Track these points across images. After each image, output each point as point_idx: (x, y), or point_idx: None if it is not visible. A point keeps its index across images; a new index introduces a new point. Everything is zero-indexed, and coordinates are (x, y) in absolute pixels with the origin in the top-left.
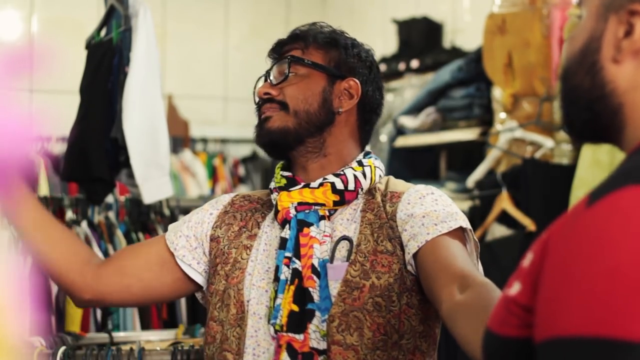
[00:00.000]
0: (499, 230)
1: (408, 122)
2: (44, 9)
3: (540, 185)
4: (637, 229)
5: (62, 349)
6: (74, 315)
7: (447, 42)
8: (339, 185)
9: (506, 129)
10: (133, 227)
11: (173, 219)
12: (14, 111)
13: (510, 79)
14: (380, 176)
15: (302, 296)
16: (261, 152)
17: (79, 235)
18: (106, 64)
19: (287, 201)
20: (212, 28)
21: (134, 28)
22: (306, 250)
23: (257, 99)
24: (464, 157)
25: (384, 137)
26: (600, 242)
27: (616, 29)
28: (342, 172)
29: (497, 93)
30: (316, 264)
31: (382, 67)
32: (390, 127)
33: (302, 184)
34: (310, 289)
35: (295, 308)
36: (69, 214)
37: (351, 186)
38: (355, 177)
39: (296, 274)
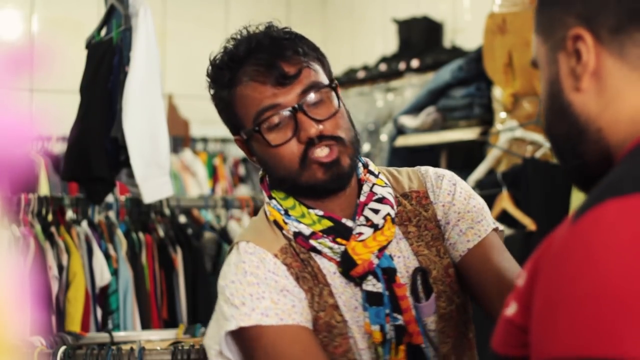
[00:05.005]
0: None
1: (408, 121)
2: (44, 9)
3: (541, 185)
4: (620, 245)
5: (63, 348)
6: (74, 314)
7: (448, 41)
8: (393, 213)
9: (506, 128)
10: (133, 226)
11: (173, 218)
12: (14, 111)
13: (511, 78)
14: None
15: (414, 355)
16: None
17: (80, 234)
18: (106, 64)
19: (366, 253)
20: (212, 27)
21: (134, 27)
22: (407, 303)
23: (303, 139)
24: (465, 156)
25: (384, 137)
26: (584, 261)
27: (568, 62)
28: (380, 195)
29: (498, 93)
30: (415, 316)
31: (382, 67)
32: (390, 127)
33: (360, 224)
34: (422, 346)
35: None
36: (69, 214)
37: (395, 210)
38: (390, 195)
39: (401, 331)
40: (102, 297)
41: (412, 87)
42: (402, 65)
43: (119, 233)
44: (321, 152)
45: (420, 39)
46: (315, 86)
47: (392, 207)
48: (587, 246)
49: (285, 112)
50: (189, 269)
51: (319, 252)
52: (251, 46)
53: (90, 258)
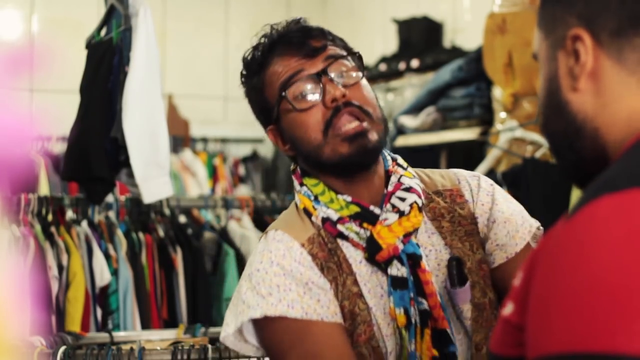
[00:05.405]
0: None
1: (408, 121)
2: (44, 9)
3: (541, 185)
4: (614, 240)
5: (63, 348)
6: (74, 314)
7: (448, 41)
8: (419, 202)
9: (506, 128)
10: (133, 226)
11: (173, 218)
12: (14, 111)
13: (511, 78)
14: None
15: (439, 339)
16: (261, 152)
17: (80, 235)
18: (106, 64)
19: (391, 237)
20: (212, 27)
21: (134, 27)
22: (431, 289)
23: (329, 103)
24: (465, 156)
25: None
26: (578, 256)
27: (566, 61)
28: (407, 185)
29: (498, 92)
30: (440, 301)
31: (382, 67)
32: (390, 127)
33: (387, 210)
34: (448, 331)
35: (436, 353)
36: (69, 214)
37: (422, 200)
38: (418, 186)
39: (426, 315)
40: (102, 297)
41: (412, 87)
42: (402, 65)
43: (119, 233)
44: (349, 125)
45: (420, 39)
46: (340, 56)
47: (419, 196)
48: (581, 241)
49: (310, 77)
50: (189, 269)
51: (345, 237)
52: (281, 33)
53: (90, 258)
